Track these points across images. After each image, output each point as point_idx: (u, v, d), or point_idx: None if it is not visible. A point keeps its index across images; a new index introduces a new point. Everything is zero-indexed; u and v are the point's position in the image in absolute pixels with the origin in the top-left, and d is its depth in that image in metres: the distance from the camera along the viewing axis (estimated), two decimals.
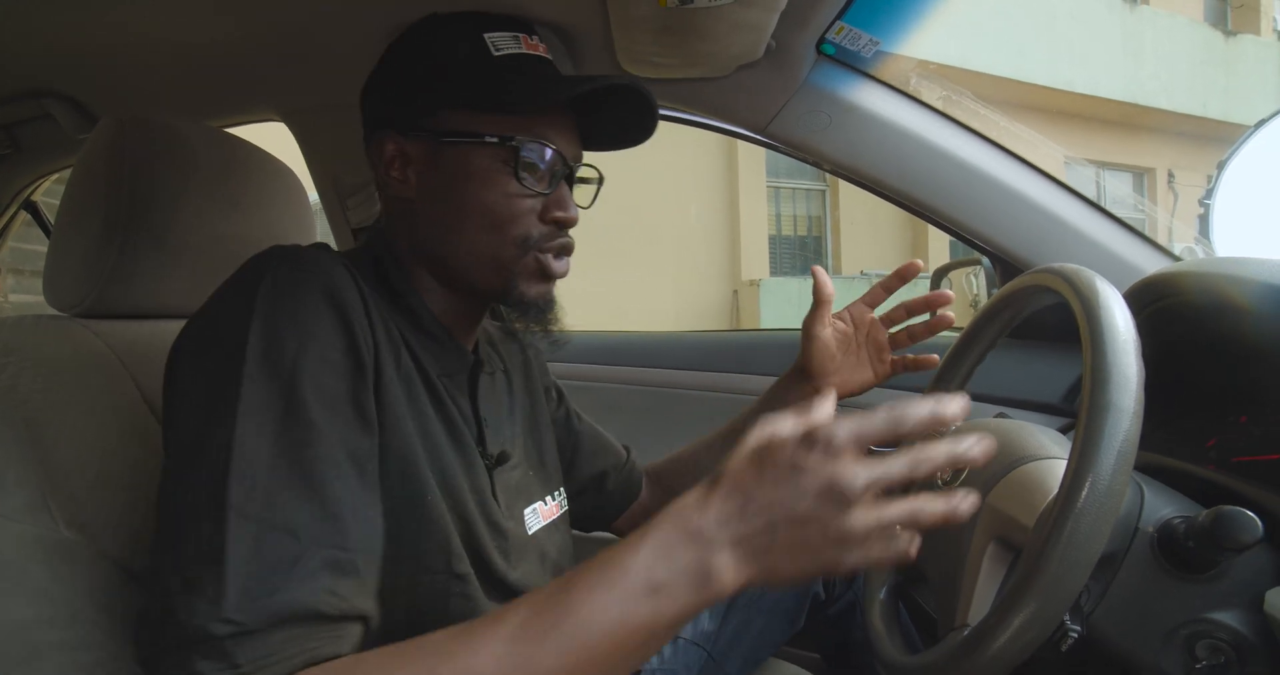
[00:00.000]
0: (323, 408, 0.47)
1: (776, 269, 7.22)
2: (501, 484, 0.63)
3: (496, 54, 0.60)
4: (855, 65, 0.90)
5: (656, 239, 6.25)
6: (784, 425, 0.41)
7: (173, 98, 0.99)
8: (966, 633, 0.47)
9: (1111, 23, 7.35)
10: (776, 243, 7.32)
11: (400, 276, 0.61)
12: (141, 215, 0.64)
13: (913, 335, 0.79)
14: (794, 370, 0.81)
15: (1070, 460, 0.45)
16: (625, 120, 0.65)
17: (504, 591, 0.60)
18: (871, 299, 0.81)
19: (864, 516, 0.39)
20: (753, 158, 6.79)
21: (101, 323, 0.66)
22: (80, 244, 0.65)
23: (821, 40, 0.86)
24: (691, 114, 0.96)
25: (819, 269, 0.82)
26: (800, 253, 7.52)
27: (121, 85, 0.96)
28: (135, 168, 0.64)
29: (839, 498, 0.39)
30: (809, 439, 0.40)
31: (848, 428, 0.40)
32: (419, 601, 0.54)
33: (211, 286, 0.73)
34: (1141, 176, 8.15)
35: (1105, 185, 7.56)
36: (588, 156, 0.66)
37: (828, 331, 0.78)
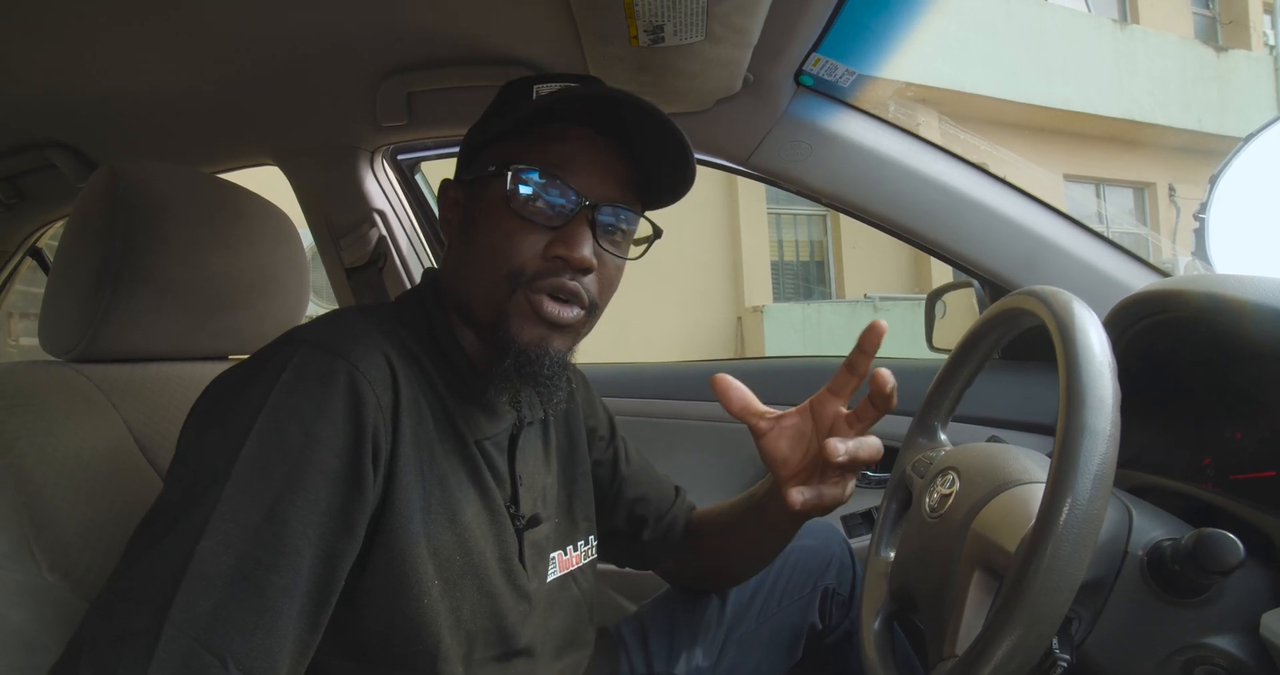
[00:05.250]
0: (303, 524, 0.46)
1: (780, 295, 7.23)
2: (530, 544, 0.62)
3: (535, 97, 0.60)
4: (834, 95, 0.92)
5: (659, 267, 6.28)
6: None
7: (171, 145, 1.02)
8: (951, 664, 0.46)
9: (1102, 42, 7.46)
10: (779, 268, 7.35)
11: (443, 325, 0.60)
12: (134, 260, 0.66)
13: (859, 418, 0.64)
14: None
15: (1047, 484, 0.44)
16: (668, 165, 0.60)
17: (516, 653, 0.60)
18: (838, 386, 0.66)
19: None
20: (752, 185, 6.86)
21: (94, 366, 0.67)
22: (74, 289, 0.66)
23: (800, 72, 0.88)
24: None
25: (719, 379, 0.65)
26: (803, 278, 7.54)
27: (120, 135, 0.99)
28: (128, 214, 0.66)
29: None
30: None
31: None
32: None
33: (203, 328, 0.75)
34: (1142, 192, 8.17)
35: (1106, 201, 7.59)
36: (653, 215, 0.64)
37: (776, 439, 0.66)
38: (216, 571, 0.43)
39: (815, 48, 0.82)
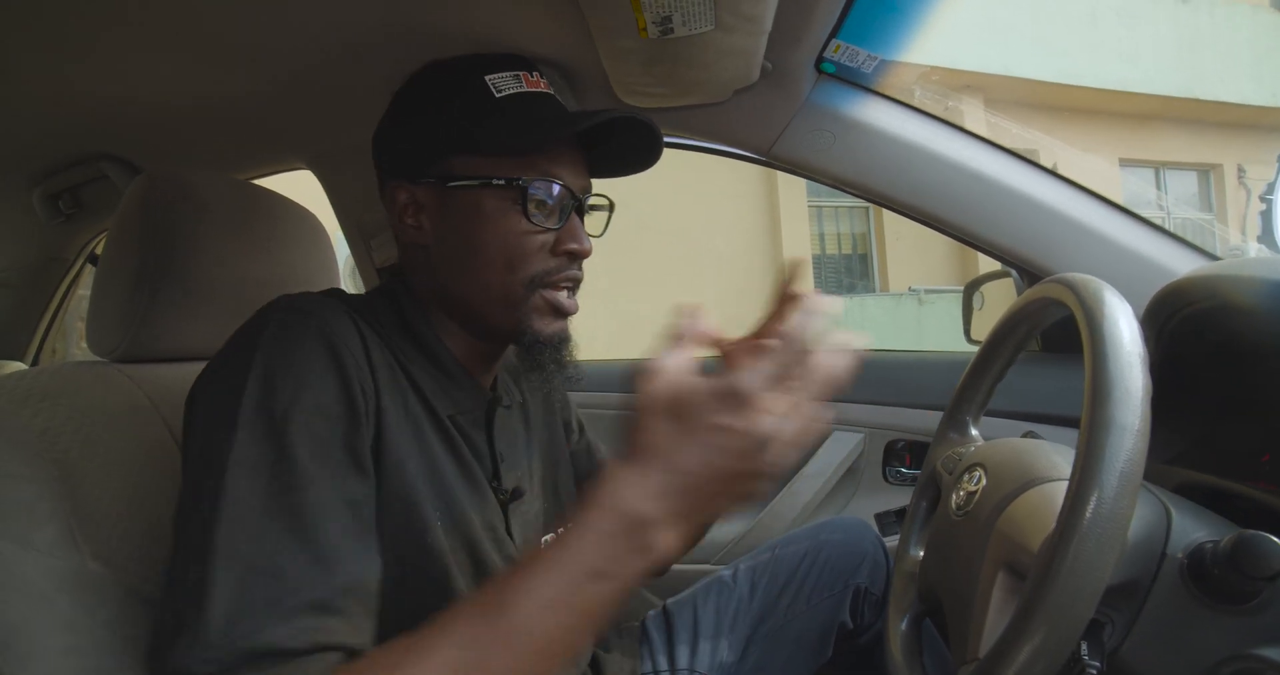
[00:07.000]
0: (314, 455, 0.48)
1: (821, 288, 7.10)
2: (517, 518, 0.64)
3: (498, 95, 0.61)
4: (857, 82, 0.90)
5: (700, 262, 6.26)
6: (689, 383, 0.41)
7: (210, 153, 1.06)
8: (973, 668, 0.45)
9: (1161, 17, 7.06)
10: (821, 262, 7.21)
11: (419, 317, 0.62)
12: (170, 264, 0.68)
13: None
14: None
15: (1071, 482, 0.42)
16: (630, 147, 0.65)
17: None
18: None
19: (779, 451, 0.40)
20: (792, 177, 6.74)
21: (135, 366, 0.70)
22: (116, 293, 0.69)
23: (820, 59, 0.86)
24: (694, 140, 0.97)
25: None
26: (846, 271, 7.39)
27: (164, 145, 1.04)
28: (164, 220, 0.68)
29: (760, 444, 0.40)
30: (725, 397, 0.40)
31: (758, 377, 0.40)
32: None
33: (236, 329, 0.77)
34: (1207, 174, 7.71)
35: (1166, 186, 7.19)
36: (598, 185, 0.66)
37: None
38: (247, 503, 0.46)
39: (835, 33, 0.80)
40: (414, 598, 0.54)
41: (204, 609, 0.43)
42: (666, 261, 5.94)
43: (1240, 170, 7.48)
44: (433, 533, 0.55)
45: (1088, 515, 0.40)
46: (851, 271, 7.40)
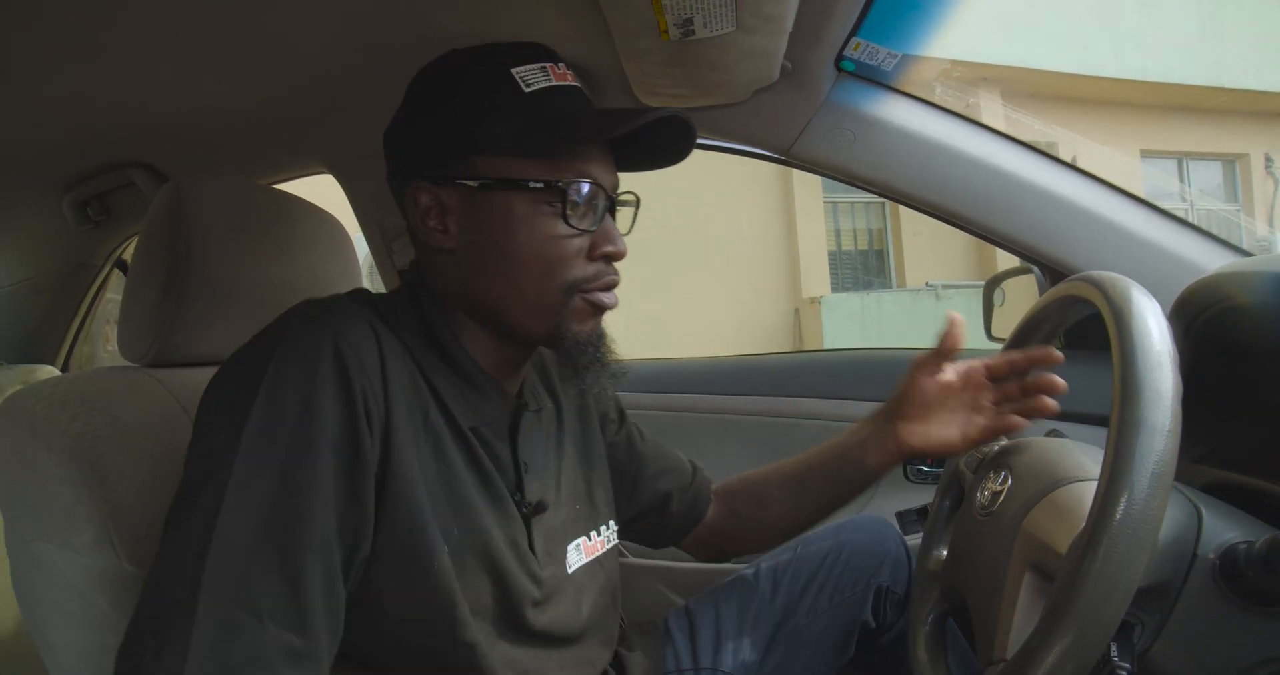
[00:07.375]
0: (312, 486, 0.48)
1: (838, 285, 7.05)
2: (540, 531, 0.63)
3: (528, 90, 0.57)
4: (877, 79, 0.89)
5: (715, 260, 6.24)
6: None
7: (234, 159, 1.08)
8: (1000, 669, 0.45)
9: (1185, 5, 6.92)
10: (837, 258, 7.16)
11: (441, 322, 0.60)
12: (197, 269, 0.70)
13: (1008, 397, 0.72)
14: (884, 405, 0.78)
15: (1100, 482, 0.42)
16: (660, 144, 0.63)
17: (530, 636, 0.60)
18: (996, 367, 0.72)
19: None
20: (808, 175, 6.68)
21: (165, 371, 0.71)
22: (145, 299, 0.71)
23: (840, 57, 0.86)
24: (713, 140, 0.97)
25: (954, 317, 0.73)
26: (862, 267, 7.34)
27: (189, 152, 1.06)
28: (191, 227, 0.70)
29: None
30: None
31: None
32: (423, 663, 0.55)
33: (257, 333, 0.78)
34: (1232, 164, 7.54)
35: (1190, 177, 7.04)
36: (624, 181, 0.64)
37: (931, 378, 0.74)
38: (239, 537, 0.46)
39: (855, 32, 0.80)
40: (418, 620, 0.54)
41: (187, 642, 0.43)
42: (679, 259, 5.93)
43: (1267, 160, 7.31)
44: (439, 558, 0.54)
45: (1118, 516, 0.40)
46: (868, 268, 7.35)
